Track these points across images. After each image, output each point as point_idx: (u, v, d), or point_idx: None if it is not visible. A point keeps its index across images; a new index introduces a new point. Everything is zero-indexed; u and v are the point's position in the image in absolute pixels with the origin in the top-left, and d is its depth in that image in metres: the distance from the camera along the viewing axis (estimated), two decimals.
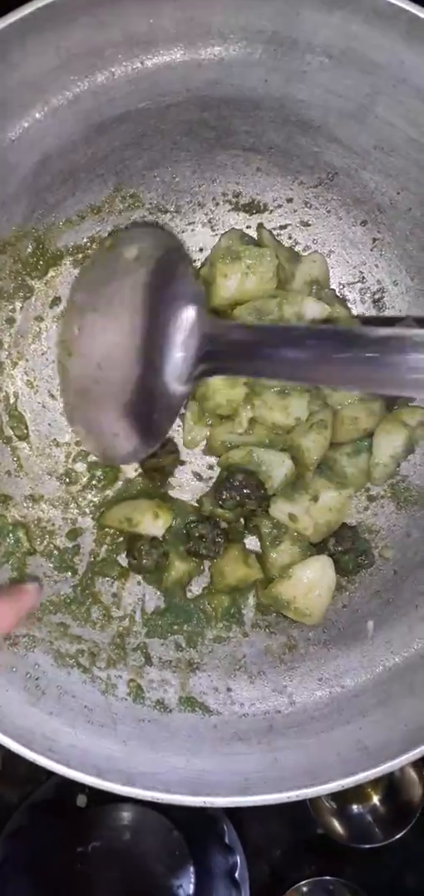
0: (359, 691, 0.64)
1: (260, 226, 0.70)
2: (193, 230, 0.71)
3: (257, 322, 0.63)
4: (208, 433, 0.70)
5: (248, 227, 0.71)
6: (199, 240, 0.71)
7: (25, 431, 0.70)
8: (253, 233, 0.71)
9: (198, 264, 0.71)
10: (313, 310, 0.65)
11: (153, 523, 0.67)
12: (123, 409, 0.54)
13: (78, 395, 0.51)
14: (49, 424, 0.71)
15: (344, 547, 0.68)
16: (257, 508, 0.67)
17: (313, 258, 0.70)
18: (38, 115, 0.58)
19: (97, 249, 0.61)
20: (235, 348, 0.53)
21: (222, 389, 0.65)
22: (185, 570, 0.68)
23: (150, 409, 0.54)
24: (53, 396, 0.71)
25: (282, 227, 0.71)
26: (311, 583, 0.65)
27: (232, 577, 0.68)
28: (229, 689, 0.66)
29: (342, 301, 0.71)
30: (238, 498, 0.66)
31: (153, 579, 0.70)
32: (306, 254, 0.71)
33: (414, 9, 0.52)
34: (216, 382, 0.65)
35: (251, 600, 0.70)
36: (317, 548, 0.69)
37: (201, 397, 0.67)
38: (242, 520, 0.70)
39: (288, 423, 0.66)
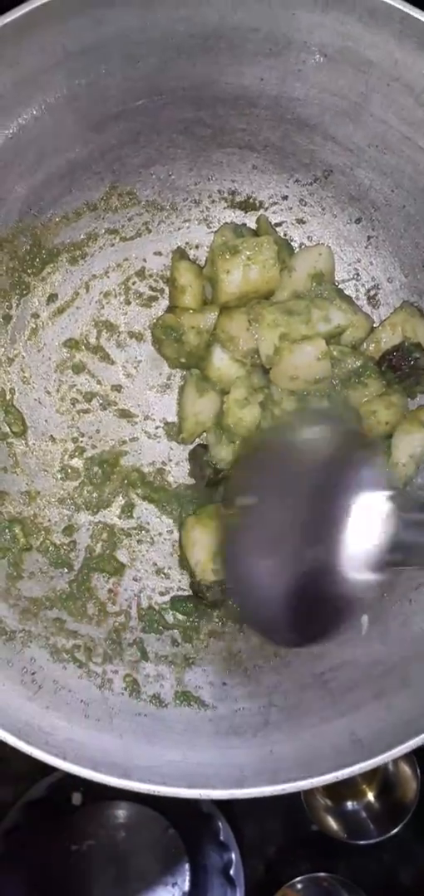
0: (353, 685, 0.64)
1: (261, 216, 0.71)
2: (188, 228, 0.72)
3: None
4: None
5: (243, 224, 0.71)
6: (195, 237, 0.72)
7: (22, 428, 0.70)
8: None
9: (202, 262, 0.72)
10: (338, 317, 0.67)
11: None
12: (290, 595, 0.51)
13: (242, 568, 0.49)
14: (45, 421, 0.71)
15: None
16: None
17: (319, 250, 0.68)
18: (35, 113, 0.59)
19: (278, 423, 0.60)
20: None
21: (235, 409, 0.66)
22: None
23: (319, 600, 0.50)
24: (48, 393, 0.71)
25: (278, 225, 0.71)
26: None
27: None
28: (224, 684, 0.66)
29: (347, 297, 0.70)
30: None
31: None
32: (311, 244, 0.71)
33: (407, 8, 0.52)
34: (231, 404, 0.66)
35: None
36: None
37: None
38: None
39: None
